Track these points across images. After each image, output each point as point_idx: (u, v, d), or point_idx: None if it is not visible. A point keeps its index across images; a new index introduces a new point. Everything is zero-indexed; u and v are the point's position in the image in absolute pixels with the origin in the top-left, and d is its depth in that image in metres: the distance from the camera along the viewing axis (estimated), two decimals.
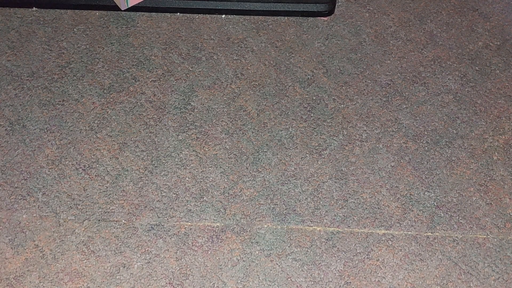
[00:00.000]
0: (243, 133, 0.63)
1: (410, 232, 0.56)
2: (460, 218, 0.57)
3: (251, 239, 0.55)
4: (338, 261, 0.54)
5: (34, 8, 0.72)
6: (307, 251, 0.54)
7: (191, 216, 0.56)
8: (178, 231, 0.56)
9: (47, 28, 0.71)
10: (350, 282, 0.53)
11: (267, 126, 0.63)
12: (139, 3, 0.71)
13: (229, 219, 0.56)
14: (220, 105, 0.65)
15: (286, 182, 0.59)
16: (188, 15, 0.72)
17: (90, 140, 0.62)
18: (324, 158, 0.61)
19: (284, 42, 0.70)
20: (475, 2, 0.74)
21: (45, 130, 0.62)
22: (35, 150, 0.61)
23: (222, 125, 0.63)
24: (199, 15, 0.72)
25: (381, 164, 0.61)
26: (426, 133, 0.63)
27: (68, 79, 0.66)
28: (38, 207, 0.57)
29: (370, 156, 0.61)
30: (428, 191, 0.59)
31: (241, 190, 0.58)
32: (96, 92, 0.65)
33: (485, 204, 0.58)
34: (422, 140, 0.63)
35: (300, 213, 0.57)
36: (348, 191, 0.58)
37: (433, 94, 0.66)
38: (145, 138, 0.62)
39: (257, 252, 0.54)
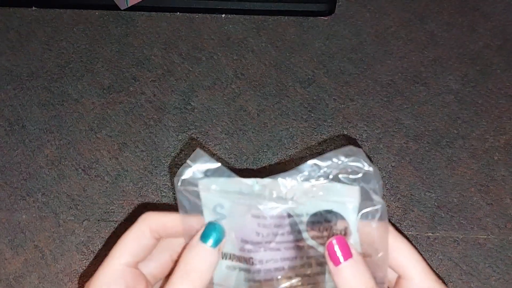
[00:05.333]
0: (243, 133, 0.62)
1: (410, 233, 0.56)
2: (461, 218, 0.57)
3: None
4: None
5: (33, 8, 0.72)
6: None
7: None
8: None
9: (47, 27, 0.70)
10: None
11: (267, 126, 0.63)
12: (138, 2, 0.71)
13: None
14: (220, 105, 0.64)
15: None
16: (188, 14, 0.72)
17: (90, 140, 0.61)
18: None
19: (285, 42, 0.70)
20: (476, 2, 0.74)
21: (45, 130, 0.62)
22: (34, 150, 0.60)
23: (222, 125, 0.63)
24: (199, 14, 0.72)
25: (382, 164, 0.60)
26: (427, 133, 0.63)
27: (67, 79, 0.66)
28: (37, 208, 0.56)
29: (371, 156, 0.61)
30: (429, 192, 0.59)
31: None
32: (95, 92, 0.65)
33: (486, 205, 0.58)
34: (423, 140, 0.62)
35: None
36: None
37: (434, 94, 0.66)
38: (145, 138, 0.62)
39: None
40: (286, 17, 0.72)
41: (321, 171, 0.26)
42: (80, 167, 0.59)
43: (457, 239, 0.55)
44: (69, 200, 0.57)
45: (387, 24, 0.72)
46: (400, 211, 0.57)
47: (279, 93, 0.65)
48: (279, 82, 0.66)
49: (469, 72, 0.68)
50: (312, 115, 0.64)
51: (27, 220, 0.56)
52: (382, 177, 0.59)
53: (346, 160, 0.26)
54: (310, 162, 0.26)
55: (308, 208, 0.26)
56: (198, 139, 0.62)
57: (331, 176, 0.26)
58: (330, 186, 0.26)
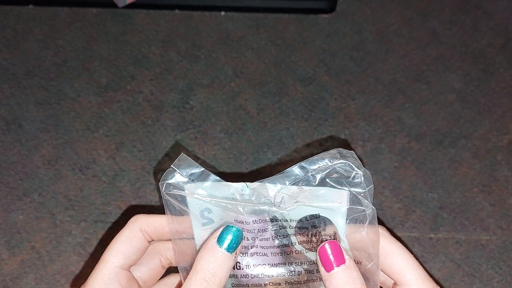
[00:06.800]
0: (242, 132, 0.62)
1: (412, 234, 0.55)
2: (464, 219, 0.56)
3: None
4: None
5: (30, 6, 0.71)
6: None
7: None
8: None
9: (44, 25, 0.70)
10: None
11: (267, 125, 0.62)
12: (136, 0, 0.70)
13: None
14: (219, 104, 0.64)
15: None
16: (186, 12, 0.71)
17: (87, 139, 0.60)
18: None
19: (285, 39, 0.69)
20: (479, 0, 0.73)
21: (41, 130, 0.61)
22: (31, 150, 0.60)
23: (221, 125, 0.62)
24: (198, 12, 0.71)
25: (384, 165, 0.60)
26: (429, 132, 0.62)
27: (64, 78, 0.65)
28: (34, 208, 0.56)
29: (372, 156, 0.60)
30: (431, 192, 0.58)
31: None
32: (92, 90, 0.64)
33: (488, 205, 0.57)
34: (425, 140, 0.62)
35: None
36: None
37: (436, 93, 0.65)
38: (143, 138, 0.61)
39: None
40: (286, 15, 0.71)
41: (309, 174, 0.25)
42: (77, 167, 0.58)
43: (459, 240, 0.55)
44: (66, 201, 0.56)
45: (389, 22, 0.71)
46: (402, 212, 0.56)
47: (279, 92, 0.65)
48: (279, 80, 0.66)
49: (471, 71, 0.67)
50: (313, 114, 0.63)
51: (23, 220, 0.55)
52: (384, 178, 0.59)
53: (334, 163, 0.25)
54: (298, 165, 0.26)
55: (295, 212, 0.25)
56: (196, 139, 0.61)
57: (318, 180, 0.25)
58: (318, 190, 0.25)
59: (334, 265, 0.24)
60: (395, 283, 0.27)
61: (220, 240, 0.25)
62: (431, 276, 0.27)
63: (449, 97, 0.65)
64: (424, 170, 0.59)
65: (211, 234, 0.25)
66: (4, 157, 0.59)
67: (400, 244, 0.27)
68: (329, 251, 0.24)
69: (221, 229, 0.25)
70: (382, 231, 0.27)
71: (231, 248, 0.25)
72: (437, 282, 0.28)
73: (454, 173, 0.59)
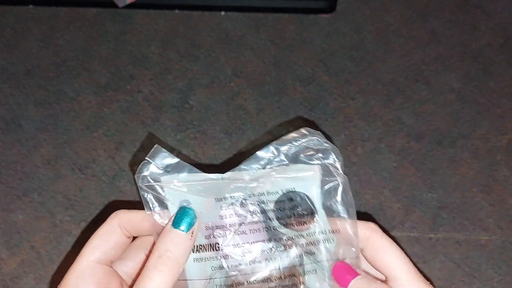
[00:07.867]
0: (242, 132, 0.62)
1: (412, 234, 0.55)
2: (463, 219, 0.56)
3: None
4: None
5: (30, 6, 0.71)
6: None
7: None
8: None
9: (43, 25, 0.70)
10: None
11: (267, 125, 0.62)
12: (136, 0, 0.70)
13: None
14: (219, 104, 0.64)
15: None
16: (186, 12, 0.71)
17: (86, 139, 0.60)
18: None
19: (284, 39, 0.69)
20: (478, 0, 0.73)
21: (41, 129, 0.61)
22: (30, 149, 0.60)
23: (221, 125, 0.62)
24: (197, 12, 0.71)
25: (383, 165, 0.60)
26: (428, 132, 0.62)
27: (64, 77, 0.65)
28: (34, 208, 0.56)
29: (372, 156, 0.60)
30: (430, 192, 0.58)
31: None
32: (92, 90, 0.64)
33: (488, 205, 0.57)
34: (424, 140, 0.62)
35: None
36: None
37: (435, 93, 0.65)
38: (142, 138, 0.61)
39: None
40: (286, 14, 0.71)
41: (281, 154, 0.27)
42: (76, 167, 0.58)
43: (459, 240, 0.55)
44: (66, 200, 0.56)
45: (388, 21, 0.71)
46: (402, 212, 0.57)
47: (278, 92, 0.65)
48: (279, 80, 0.66)
49: (471, 71, 0.67)
50: (312, 114, 0.63)
51: (23, 220, 0.55)
52: (383, 178, 0.59)
53: (304, 140, 0.27)
54: (270, 146, 0.27)
55: (271, 189, 0.26)
56: (196, 138, 0.61)
57: (290, 158, 0.27)
58: (291, 167, 0.26)
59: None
60: (386, 279, 0.27)
61: (174, 222, 0.26)
62: (423, 274, 0.28)
63: (449, 97, 0.65)
64: (423, 170, 0.59)
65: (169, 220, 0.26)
66: (4, 157, 0.59)
67: (391, 239, 0.28)
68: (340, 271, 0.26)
69: (176, 212, 0.26)
70: (374, 226, 0.28)
71: (186, 228, 0.25)
72: (427, 279, 0.28)
73: (454, 173, 0.59)
